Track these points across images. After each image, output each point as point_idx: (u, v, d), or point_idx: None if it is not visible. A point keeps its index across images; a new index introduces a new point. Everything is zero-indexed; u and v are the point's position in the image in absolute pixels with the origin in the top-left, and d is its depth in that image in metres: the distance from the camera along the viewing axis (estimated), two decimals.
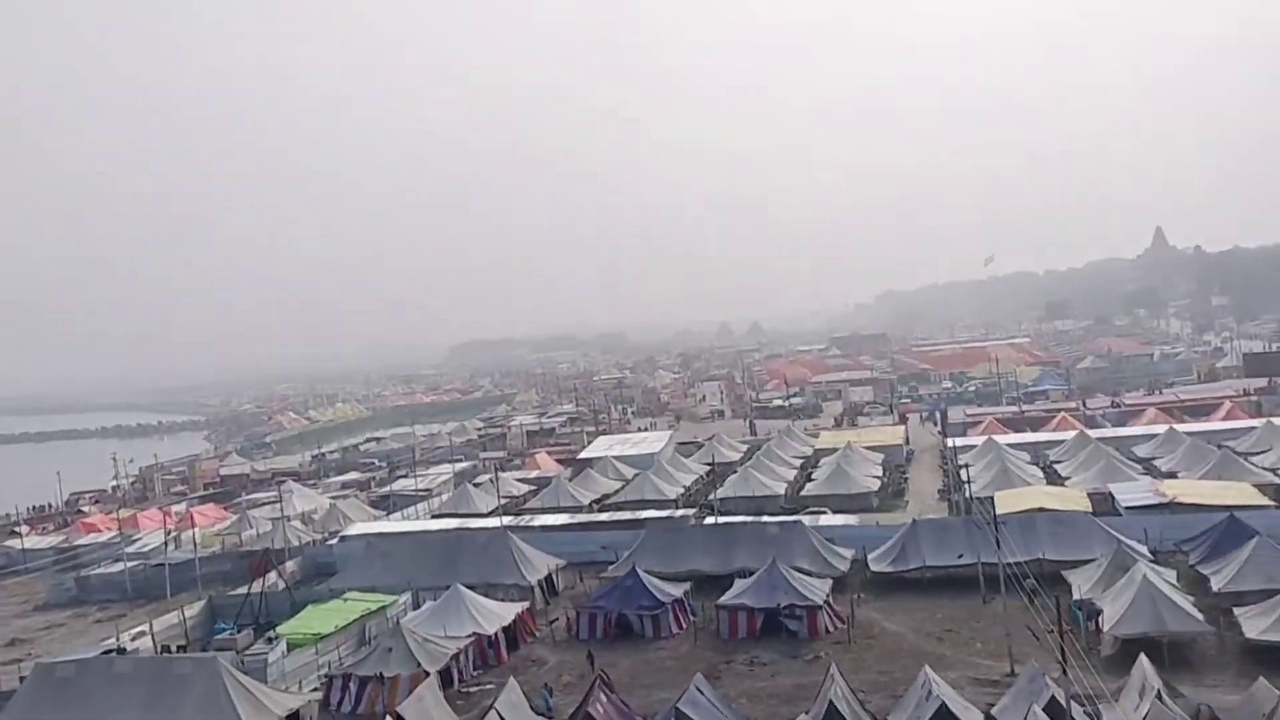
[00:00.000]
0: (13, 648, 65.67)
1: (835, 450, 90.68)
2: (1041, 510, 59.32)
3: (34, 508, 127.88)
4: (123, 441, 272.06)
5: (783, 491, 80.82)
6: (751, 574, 53.48)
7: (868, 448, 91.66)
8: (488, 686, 46.48)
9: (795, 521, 61.34)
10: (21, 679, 48.22)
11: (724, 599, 50.98)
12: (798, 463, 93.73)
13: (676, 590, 53.72)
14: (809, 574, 53.57)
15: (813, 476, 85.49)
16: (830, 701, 35.43)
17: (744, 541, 59.06)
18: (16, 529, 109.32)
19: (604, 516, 75.26)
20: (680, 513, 73.17)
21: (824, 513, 69.90)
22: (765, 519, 64.75)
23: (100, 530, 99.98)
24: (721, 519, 66.72)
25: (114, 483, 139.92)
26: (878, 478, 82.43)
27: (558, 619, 54.76)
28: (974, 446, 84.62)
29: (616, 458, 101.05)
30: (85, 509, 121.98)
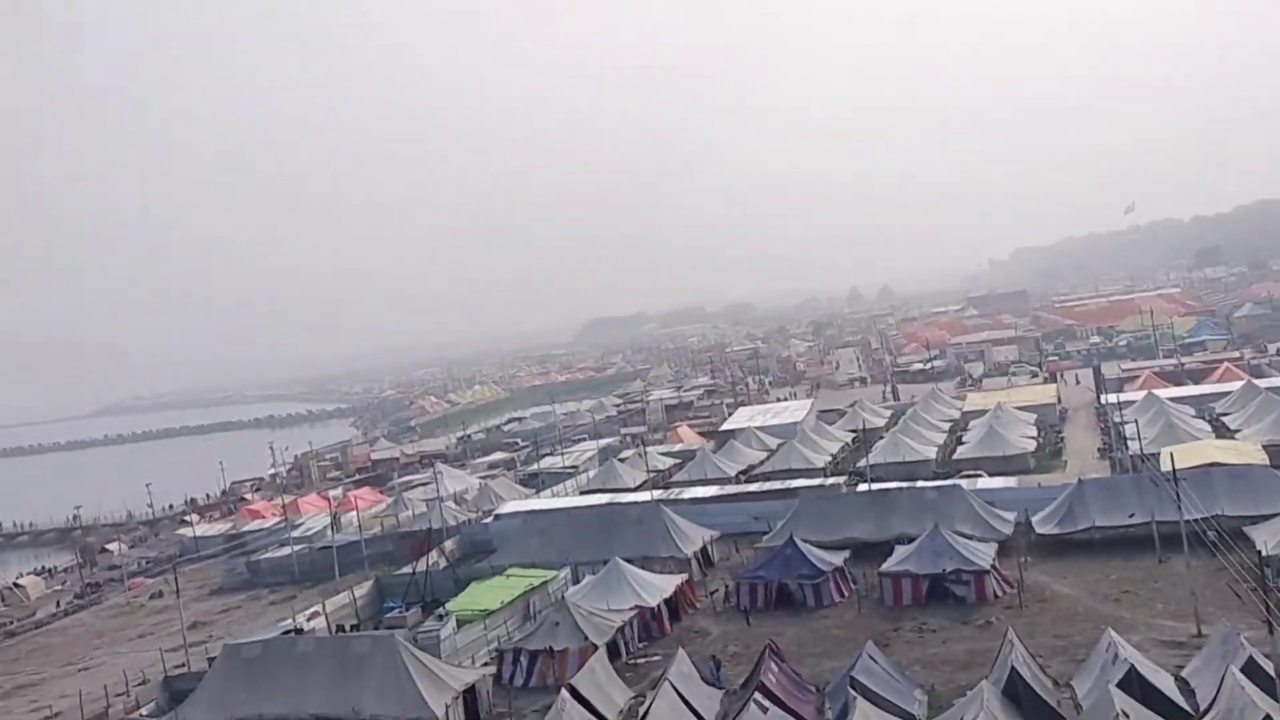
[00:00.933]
0: (195, 630, 68.94)
1: (985, 412, 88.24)
2: (1216, 465, 56.31)
3: (189, 500, 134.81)
4: (275, 431, 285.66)
5: (934, 456, 78.95)
6: (911, 540, 52.59)
7: (1019, 408, 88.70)
8: (654, 658, 46.86)
9: (954, 485, 59.87)
10: (210, 660, 50.82)
11: (886, 566, 50.09)
12: (946, 426, 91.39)
13: (836, 558, 53.03)
14: (971, 538, 52.17)
15: (963, 440, 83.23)
16: (1012, 667, 34.36)
17: (901, 507, 57.89)
18: (187, 518, 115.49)
19: (754, 487, 74.77)
20: (831, 481, 72.24)
21: (980, 476, 67.95)
22: (922, 484, 63.36)
23: (264, 516, 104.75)
24: (875, 485, 65.44)
25: (272, 470, 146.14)
26: (1033, 438, 79.75)
27: (718, 590, 54.73)
28: (1133, 402, 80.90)
29: (759, 428, 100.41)
30: (248, 496, 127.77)
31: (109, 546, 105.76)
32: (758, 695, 36.18)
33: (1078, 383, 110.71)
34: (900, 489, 61.89)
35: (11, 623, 79.11)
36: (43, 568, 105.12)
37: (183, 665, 55.80)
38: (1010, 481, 64.75)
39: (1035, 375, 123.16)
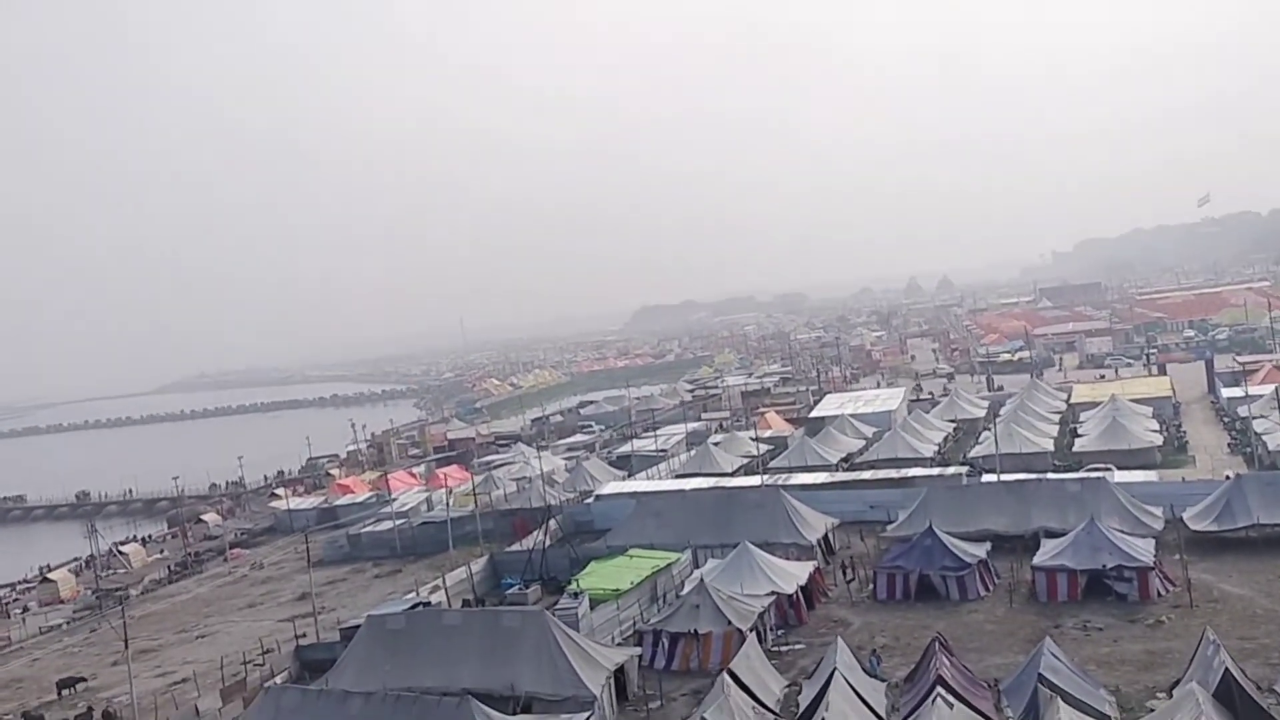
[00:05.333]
0: (305, 601, 68.79)
1: (1094, 404, 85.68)
2: None
3: (279, 474, 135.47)
4: (339, 410, 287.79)
5: (1051, 448, 76.40)
6: (1052, 534, 50.68)
7: (1132, 400, 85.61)
8: (797, 647, 45.40)
9: (1099, 478, 57.42)
10: (342, 631, 50.19)
11: (1039, 559, 48.01)
12: (1055, 418, 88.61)
13: (979, 550, 51.09)
14: (1123, 534, 49.94)
15: (1079, 432, 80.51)
16: (1225, 669, 32.30)
17: (1041, 500, 55.61)
18: (276, 491, 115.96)
19: (866, 475, 72.80)
20: (952, 470, 70.04)
21: (1109, 469, 65.33)
22: (1065, 475, 61.07)
23: (354, 491, 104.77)
24: (1005, 476, 63.09)
25: (351, 447, 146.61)
26: (1156, 431, 76.84)
27: (854, 578, 53.06)
28: (1259, 397, 77.89)
29: (853, 416, 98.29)
30: (333, 472, 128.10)
31: (204, 517, 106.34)
32: (941, 690, 34.58)
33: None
34: (1038, 480, 59.66)
35: (123, 589, 79.56)
36: (136, 535, 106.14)
37: (303, 635, 55.54)
38: (1151, 475, 62.21)
39: (1130, 366, 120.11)
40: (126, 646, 44.89)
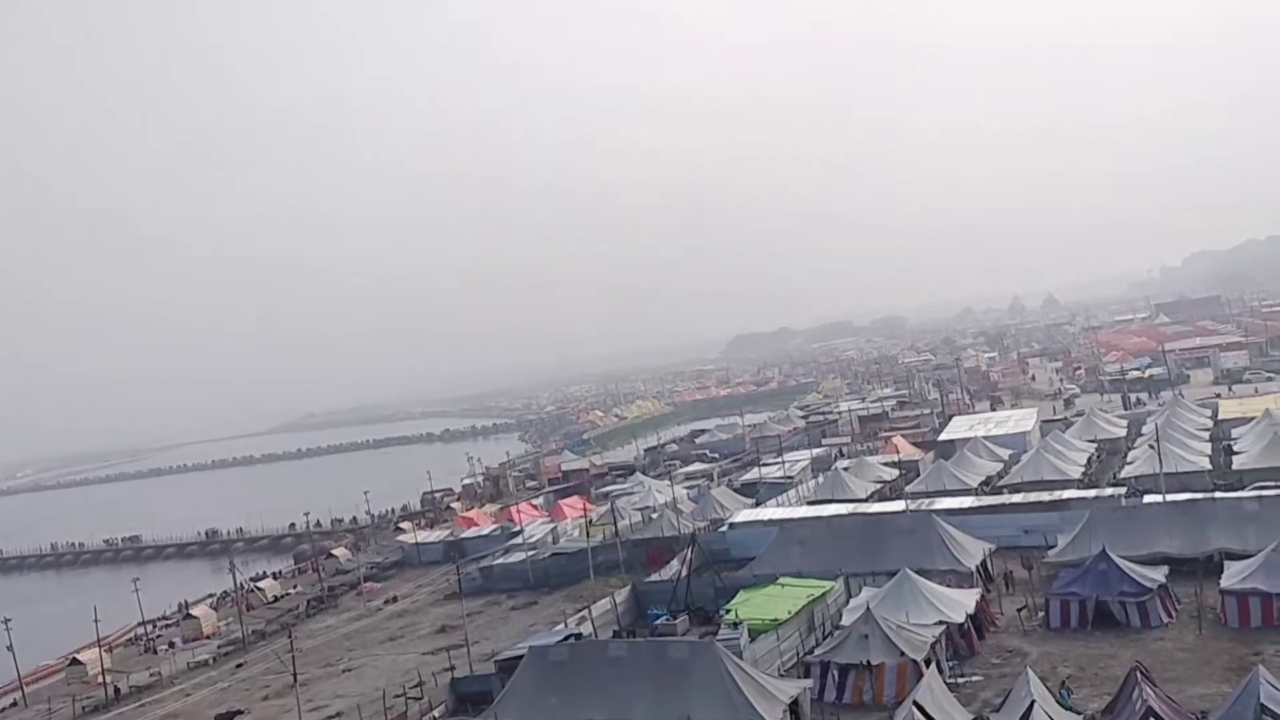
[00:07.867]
0: (443, 634, 68.96)
1: (1245, 420, 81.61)
2: None
3: (404, 507, 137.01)
4: (447, 445, 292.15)
5: (1208, 465, 72.67)
6: (1233, 556, 47.96)
7: None
8: (975, 678, 43.45)
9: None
10: (497, 664, 49.76)
11: (1228, 583, 45.22)
12: (1204, 435, 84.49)
13: (1157, 574, 48.39)
14: None
15: (1235, 449, 76.52)
16: None
17: (1218, 520, 52.62)
18: (400, 525, 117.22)
19: (1018, 498, 70.14)
20: (1110, 491, 67.01)
21: (1277, 487, 61.68)
22: (1241, 494, 57.87)
23: (478, 523, 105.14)
24: (1174, 496, 60.00)
25: (468, 480, 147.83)
26: None
27: (1025, 606, 50.76)
28: None
29: (985, 438, 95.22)
30: (454, 505, 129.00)
31: (334, 552, 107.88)
32: None
33: None
34: (1212, 499, 56.58)
35: (265, 624, 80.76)
36: (266, 571, 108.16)
37: (453, 667, 55.25)
38: None
39: (1271, 380, 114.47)
40: (295, 679, 45.17)
